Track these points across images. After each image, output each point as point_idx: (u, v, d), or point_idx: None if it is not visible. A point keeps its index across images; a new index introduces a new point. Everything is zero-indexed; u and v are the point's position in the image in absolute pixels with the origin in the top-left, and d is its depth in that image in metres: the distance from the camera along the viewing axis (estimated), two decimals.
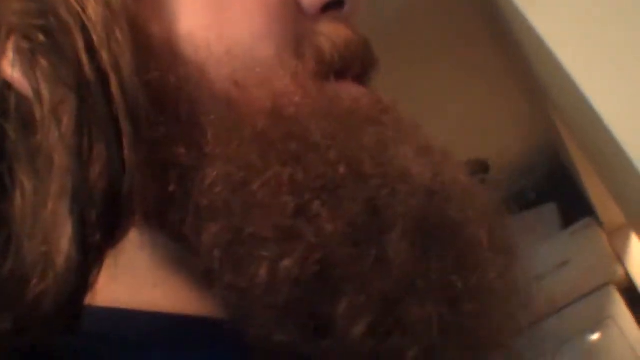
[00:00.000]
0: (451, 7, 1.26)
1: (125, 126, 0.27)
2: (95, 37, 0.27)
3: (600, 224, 1.80)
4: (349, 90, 0.33)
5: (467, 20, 1.30)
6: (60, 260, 0.25)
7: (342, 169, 0.29)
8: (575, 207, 1.84)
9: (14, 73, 0.27)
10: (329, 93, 0.32)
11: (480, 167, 0.34)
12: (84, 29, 0.27)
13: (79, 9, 0.28)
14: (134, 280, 0.31)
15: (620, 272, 1.72)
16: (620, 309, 1.64)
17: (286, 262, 0.28)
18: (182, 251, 0.30)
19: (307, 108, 0.30)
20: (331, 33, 0.34)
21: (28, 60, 0.27)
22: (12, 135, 0.27)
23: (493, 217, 0.32)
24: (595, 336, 1.60)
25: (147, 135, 0.28)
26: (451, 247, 0.30)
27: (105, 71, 0.27)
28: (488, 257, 0.31)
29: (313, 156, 0.29)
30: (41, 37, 0.27)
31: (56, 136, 0.26)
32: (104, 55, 0.27)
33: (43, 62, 0.27)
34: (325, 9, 0.35)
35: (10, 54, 0.27)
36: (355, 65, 0.35)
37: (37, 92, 0.27)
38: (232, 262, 0.28)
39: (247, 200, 0.28)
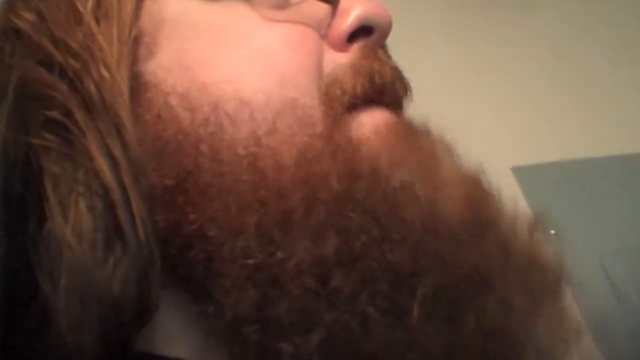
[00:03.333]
0: None
1: (139, 208, 0.27)
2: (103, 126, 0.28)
3: None
4: (371, 116, 0.32)
5: None
6: (86, 348, 0.25)
7: (364, 237, 0.28)
8: None
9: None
10: (353, 140, 0.30)
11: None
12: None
13: (90, 106, 0.28)
14: (167, 333, 0.30)
15: None
16: None
17: (306, 347, 0.27)
18: (203, 314, 0.29)
19: (333, 165, 0.29)
20: (359, 65, 0.32)
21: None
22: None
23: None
24: None
25: (165, 213, 0.28)
26: (479, 306, 0.28)
27: (116, 156, 0.27)
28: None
29: (334, 226, 0.28)
30: (50, 137, 0.28)
31: (65, 227, 0.26)
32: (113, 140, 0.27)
33: (53, 166, 0.28)
34: (352, 37, 0.33)
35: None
36: (387, 96, 0.33)
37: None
38: (256, 345, 0.27)
39: (269, 278, 0.27)
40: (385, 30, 0.34)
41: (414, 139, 0.32)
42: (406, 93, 0.35)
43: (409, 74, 0.36)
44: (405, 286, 0.27)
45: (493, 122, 1.07)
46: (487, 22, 1.15)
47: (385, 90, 0.33)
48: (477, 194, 0.30)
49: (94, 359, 0.26)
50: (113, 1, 0.31)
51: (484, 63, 1.13)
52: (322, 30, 0.33)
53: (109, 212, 0.27)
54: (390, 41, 0.36)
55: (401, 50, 0.37)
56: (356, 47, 0.33)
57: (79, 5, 0.31)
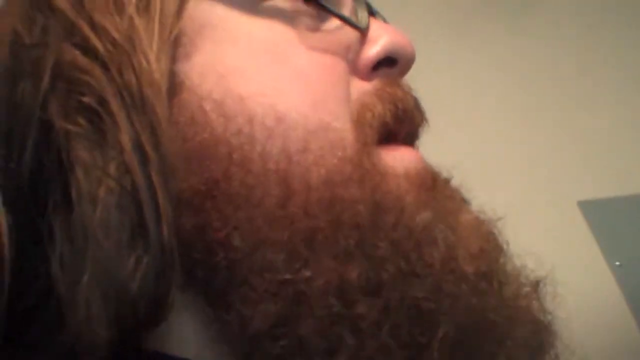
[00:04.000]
0: None
1: (165, 208, 0.27)
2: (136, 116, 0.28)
3: None
4: (402, 158, 0.32)
5: None
6: (101, 344, 0.25)
7: (391, 268, 0.28)
8: None
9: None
10: (384, 169, 0.31)
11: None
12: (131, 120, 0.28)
13: (127, 98, 0.28)
14: (178, 334, 0.30)
15: None
16: None
17: None
18: (219, 320, 0.29)
19: (360, 191, 0.29)
20: (384, 92, 0.33)
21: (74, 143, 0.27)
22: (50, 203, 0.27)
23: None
24: None
25: (191, 216, 0.28)
26: (491, 354, 0.29)
27: (148, 153, 0.27)
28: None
29: (362, 252, 0.28)
30: (84, 123, 0.27)
31: (94, 218, 0.26)
32: (145, 134, 0.27)
33: (84, 154, 0.27)
34: (376, 67, 0.34)
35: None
36: (407, 124, 0.34)
37: (75, 175, 0.27)
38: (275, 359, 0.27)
39: (294, 294, 0.27)
40: (409, 62, 0.35)
41: (438, 186, 0.32)
42: (423, 122, 0.36)
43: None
44: (427, 323, 0.28)
45: (560, 156, 1.09)
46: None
47: (407, 117, 0.34)
48: (491, 247, 0.31)
49: (105, 355, 0.25)
50: None
51: (553, 97, 1.15)
52: (350, 56, 0.33)
53: (135, 209, 0.27)
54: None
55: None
56: (379, 76, 0.34)
57: None
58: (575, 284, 1.01)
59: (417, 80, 0.36)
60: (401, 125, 0.33)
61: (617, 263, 0.98)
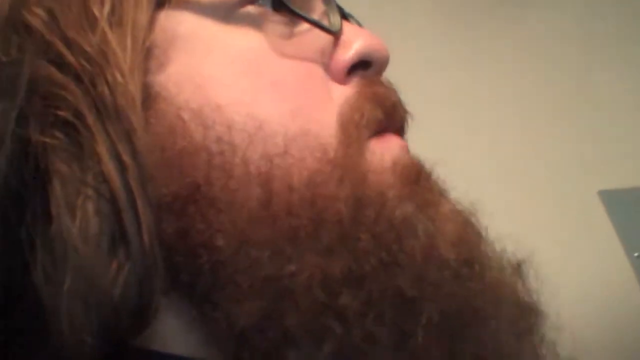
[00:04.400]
0: None
1: (145, 214, 0.27)
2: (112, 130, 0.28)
3: None
4: (390, 149, 0.33)
5: None
6: (86, 351, 0.26)
7: (373, 260, 0.29)
8: None
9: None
10: (366, 167, 0.31)
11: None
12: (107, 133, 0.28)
13: (102, 110, 0.29)
14: (164, 334, 0.30)
15: None
16: None
17: (316, 358, 0.28)
18: (206, 319, 0.29)
19: (341, 190, 0.30)
20: (367, 92, 0.34)
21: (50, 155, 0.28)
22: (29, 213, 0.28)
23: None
24: None
25: (173, 221, 0.28)
26: (475, 338, 0.30)
27: (125, 161, 0.28)
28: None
29: (344, 246, 0.29)
30: (61, 136, 0.28)
31: (72, 228, 0.26)
32: (123, 146, 0.28)
33: (62, 166, 0.28)
34: (351, 70, 0.34)
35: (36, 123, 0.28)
36: (396, 117, 0.35)
37: (52, 187, 0.27)
38: (264, 352, 0.28)
39: (280, 289, 0.28)
40: (383, 65, 0.35)
41: (421, 179, 0.33)
42: (407, 114, 0.36)
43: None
44: (410, 310, 0.28)
45: (581, 145, 1.08)
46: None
47: (395, 110, 0.34)
48: (469, 234, 0.32)
49: (93, 357, 0.26)
50: (128, 10, 0.31)
51: (575, 87, 1.14)
52: (325, 60, 0.34)
53: (115, 216, 0.27)
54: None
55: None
56: (356, 79, 0.34)
57: (94, 10, 0.31)
58: (593, 273, 1.01)
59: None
60: (392, 119, 0.34)
61: (636, 254, 0.98)
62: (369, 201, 0.30)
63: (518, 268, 0.32)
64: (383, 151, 0.33)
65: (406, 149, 0.34)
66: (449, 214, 0.32)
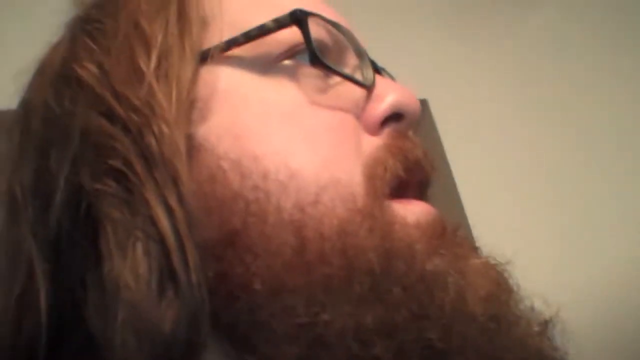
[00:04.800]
0: None
1: (192, 254, 0.29)
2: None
3: None
4: (413, 210, 0.34)
5: None
6: None
7: (404, 312, 0.30)
8: None
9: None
10: (392, 219, 0.32)
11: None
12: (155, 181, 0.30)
13: (150, 159, 0.30)
14: None
15: None
16: None
17: None
18: None
19: (371, 240, 0.31)
20: (394, 146, 0.35)
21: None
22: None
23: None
24: None
25: (213, 264, 0.30)
26: None
27: (172, 206, 0.29)
28: None
29: (376, 296, 0.30)
30: (112, 183, 0.30)
31: (124, 267, 0.28)
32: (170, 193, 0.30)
33: (113, 211, 0.29)
34: (384, 122, 0.36)
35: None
36: (417, 174, 0.35)
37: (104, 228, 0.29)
38: None
39: (314, 337, 0.29)
40: (415, 118, 0.36)
41: (447, 234, 0.34)
42: (433, 170, 0.37)
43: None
44: None
45: (613, 167, 1.08)
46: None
47: (417, 167, 0.35)
48: (500, 290, 0.32)
49: None
50: (174, 64, 0.33)
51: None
52: (357, 112, 0.35)
53: (164, 257, 0.29)
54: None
55: None
56: (387, 130, 0.36)
57: (141, 64, 0.33)
58: (618, 292, 0.99)
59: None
60: (412, 175, 0.35)
61: None
62: (398, 253, 0.31)
63: (545, 326, 0.33)
64: (406, 208, 0.33)
65: (430, 209, 0.35)
66: (479, 269, 0.32)
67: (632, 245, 1.03)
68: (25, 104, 0.37)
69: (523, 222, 1.05)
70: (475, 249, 0.34)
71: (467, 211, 1.00)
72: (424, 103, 1.04)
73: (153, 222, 0.29)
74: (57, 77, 0.35)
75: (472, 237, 0.37)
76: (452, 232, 0.34)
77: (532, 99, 1.16)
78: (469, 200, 1.03)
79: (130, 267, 0.28)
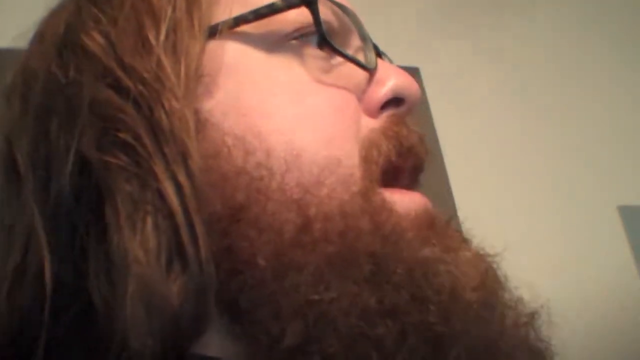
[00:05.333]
0: None
1: (200, 230, 0.29)
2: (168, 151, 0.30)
3: None
4: (401, 200, 0.34)
5: None
6: (147, 353, 0.27)
7: (404, 294, 0.30)
8: None
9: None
10: (383, 206, 0.33)
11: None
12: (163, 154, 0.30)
13: (159, 133, 0.30)
14: (210, 347, 0.31)
15: None
16: None
17: None
18: (245, 335, 0.31)
19: (370, 224, 0.31)
20: (390, 130, 0.35)
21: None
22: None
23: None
24: None
25: (218, 239, 0.30)
26: None
27: (181, 181, 0.29)
28: None
29: (380, 278, 0.30)
30: (121, 156, 0.30)
31: (133, 240, 0.28)
32: (180, 168, 0.30)
33: (123, 183, 0.29)
34: (384, 106, 0.36)
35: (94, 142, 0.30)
36: (410, 160, 0.36)
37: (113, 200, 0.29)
38: None
39: (320, 313, 0.29)
40: (415, 103, 0.37)
41: (436, 225, 0.34)
42: (427, 155, 0.37)
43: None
44: (441, 346, 0.30)
45: (602, 160, 1.09)
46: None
47: (411, 153, 0.36)
48: (490, 280, 0.33)
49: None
50: (182, 38, 0.33)
51: (600, 102, 1.15)
52: (358, 94, 0.36)
53: (173, 232, 0.29)
54: None
55: None
56: (386, 114, 0.36)
57: (150, 37, 0.32)
58: (603, 287, 1.02)
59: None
60: (405, 161, 0.35)
61: None
62: (390, 240, 0.31)
63: (532, 317, 0.34)
64: (396, 200, 0.34)
65: (420, 199, 0.35)
66: (470, 260, 0.33)
67: (621, 239, 1.04)
68: (25, 70, 0.36)
69: (511, 198, 1.06)
70: (465, 241, 0.35)
71: (451, 180, 1.00)
72: (415, 71, 1.04)
73: (162, 197, 0.29)
74: (61, 44, 0.34)
75: (459, 217, 0.37)
76: (442, 224, 0.35)
77: (525, 76, 1.16)
78: (454, 169, 1.03)
79: (140, 241, 0.28)
